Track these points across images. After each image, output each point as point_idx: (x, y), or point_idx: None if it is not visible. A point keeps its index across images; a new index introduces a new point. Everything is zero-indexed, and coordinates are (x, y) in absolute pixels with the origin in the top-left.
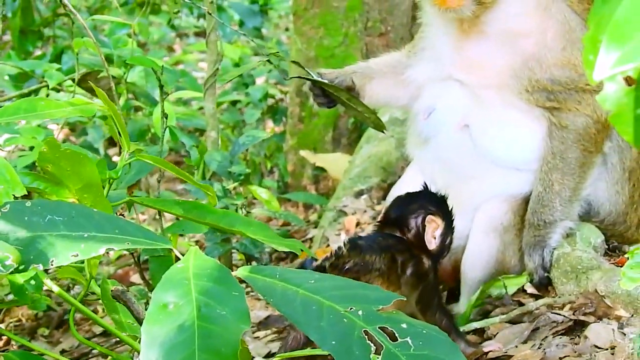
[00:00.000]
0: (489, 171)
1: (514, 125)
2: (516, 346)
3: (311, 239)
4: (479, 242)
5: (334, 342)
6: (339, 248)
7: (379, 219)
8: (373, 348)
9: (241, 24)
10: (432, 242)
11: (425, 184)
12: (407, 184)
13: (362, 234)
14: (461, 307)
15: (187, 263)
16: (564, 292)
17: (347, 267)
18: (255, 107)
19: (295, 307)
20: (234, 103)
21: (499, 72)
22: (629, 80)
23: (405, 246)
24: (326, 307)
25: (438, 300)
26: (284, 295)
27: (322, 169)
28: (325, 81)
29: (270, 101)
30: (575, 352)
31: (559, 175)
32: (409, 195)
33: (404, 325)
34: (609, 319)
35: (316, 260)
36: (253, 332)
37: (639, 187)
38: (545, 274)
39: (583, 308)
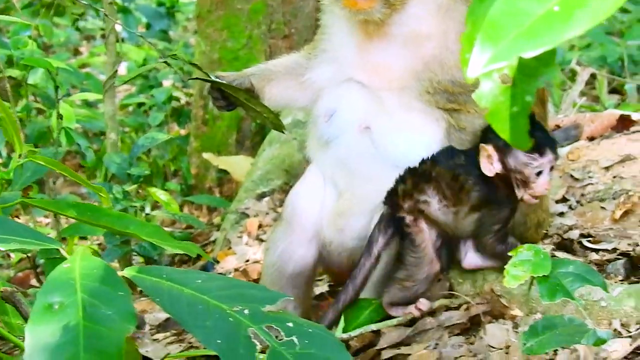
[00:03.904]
0: (390, 173)
1: (414, 127)
2: (410, 344)
3: (214, 242)
4: None
5: (219, 342)
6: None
7: None
8: (259, 347)
9: (148, 26)
10: (490, 169)
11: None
12: (307, 186)
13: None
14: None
15: (74, 263)
16: (461, 292)
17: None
18: (159, 110)
19: (181, 306)
20: (139, 105)
21: (401, 74)
22: (504, 78)
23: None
24: (212, 307)
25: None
26: (170, 295)
27: (226, 172)
28: (224, 82)
29: (176, 104)
30: (471, 352)
31: None
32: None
33: (290, 324)
34: (504, 319)
35: (217, 262)
36: (152, 334)
37: None
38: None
39: (479, 308)
